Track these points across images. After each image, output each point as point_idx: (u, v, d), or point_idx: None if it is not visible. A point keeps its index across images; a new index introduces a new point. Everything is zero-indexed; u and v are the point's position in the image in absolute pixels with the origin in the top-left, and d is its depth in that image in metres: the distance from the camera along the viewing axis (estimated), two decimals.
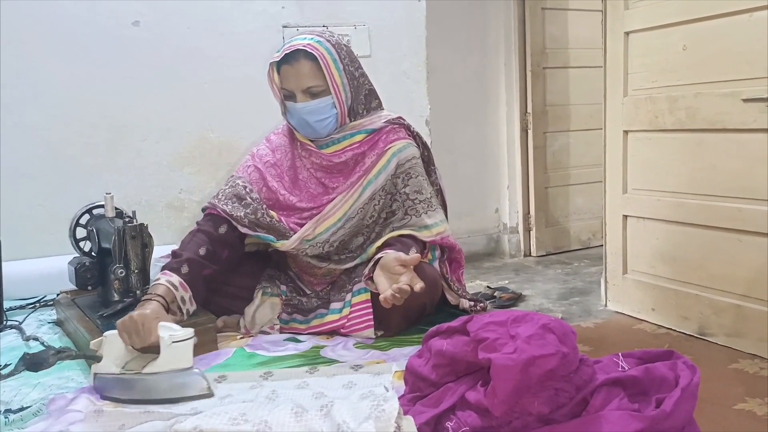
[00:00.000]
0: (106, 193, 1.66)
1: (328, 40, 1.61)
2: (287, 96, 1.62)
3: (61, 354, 1.26)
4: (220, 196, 1.67)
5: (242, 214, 1.62)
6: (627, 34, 2.21)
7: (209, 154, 2.35)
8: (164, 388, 1.24)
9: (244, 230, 1.62)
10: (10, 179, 2.12)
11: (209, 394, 1.25)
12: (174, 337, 1.27)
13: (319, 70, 1.58)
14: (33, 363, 1.23)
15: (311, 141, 1.65)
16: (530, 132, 3.30)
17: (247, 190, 1.65)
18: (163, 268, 1.51)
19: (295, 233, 1.62)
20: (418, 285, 1.36)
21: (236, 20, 2.34)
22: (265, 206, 1.64)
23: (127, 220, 1.55)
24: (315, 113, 1.60)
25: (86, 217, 1.77)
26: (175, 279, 1.47)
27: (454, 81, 3.21)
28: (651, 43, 2.13)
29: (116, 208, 1.65)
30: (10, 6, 2.08)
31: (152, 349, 1.30)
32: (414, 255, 1.43)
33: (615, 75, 2.27)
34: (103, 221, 1.65)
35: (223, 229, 1.62)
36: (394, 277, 1.39)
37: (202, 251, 1.55)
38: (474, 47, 3.28)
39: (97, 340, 1.33)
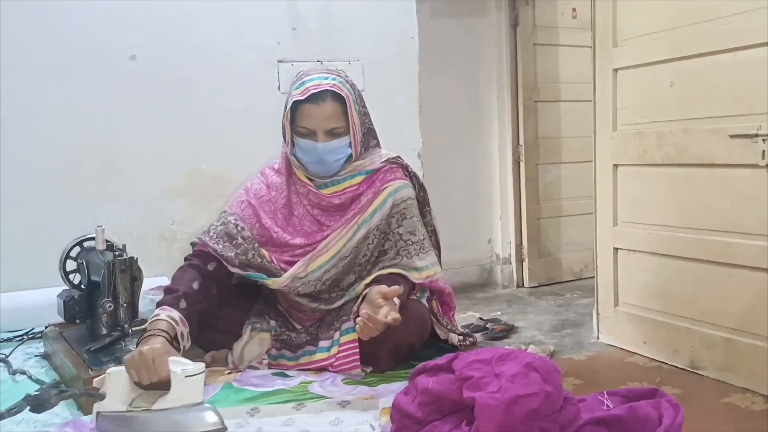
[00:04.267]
0: (97, 226, 1.66)
1: (346, 81, 1.64)
2: (303, 134, 1.61)
3: (63, 394, 1.24)
4: (211, 233, 1.66)
5: (233, 254, 1.61)
6: (616, 70, 2.25)
7: (202, 185, 2.36)
8: (177, 423, 1.22)
9: (234, 270, 1.62)
10: (1, 209, 2.12)
11: (223, 429, 1.23)
12: (186, 372, 1.25)
13: (343, 111, 1.60)
14: (37, 404, 1.21)
15: (310, 180, 1.66)
16: (522, 164, 3.33)
17: (239, 228, 1.64)
18: (160, 303, 1.49)
19: (286, 272, 1.62)
20: (392, 317, 1.36)
21: (232, 54, 2.38)
22: (256, 245, 1.63)
23: (117, 253, 1.54)
24: (334, 153, 1.61)
25: (77, 249, 1.77)
26: (176, 314, 1.45)
27: (448, 114, 3.26)
28: (639, 80, 2.17)
29: (107, 241, 1.65)
30: (7, 36, 2.11)
31: (157, 386, 1.28)
32: (394, 287, 1.44)
33: (604, 110, 2.30)
34: (93, 254, 1.65)
35: (212, 266, 1.61)
36: (375, 310, 1.40)
37: (195, 285, 1.54)
38: (467, 81, 3.33)
39: (100, 377, 1.30)
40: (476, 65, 3.34)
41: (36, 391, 1.22)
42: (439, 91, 3.16)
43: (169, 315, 1.44)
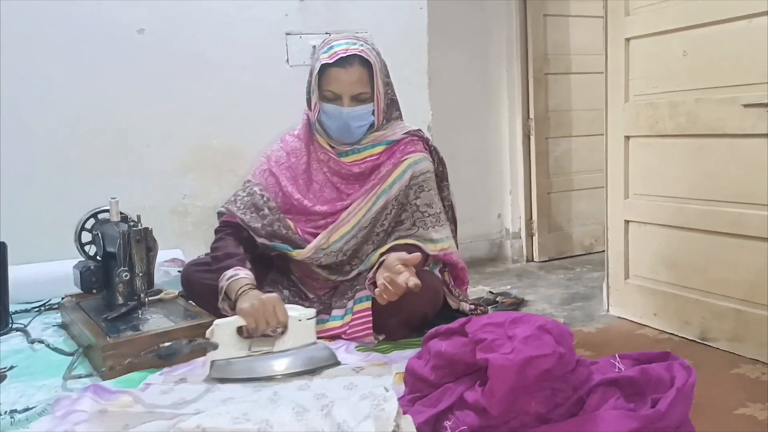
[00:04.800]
0: (111, 198, 1.68)
1: (373, 48, 1.64)
2: (329, 98, 1.62)
3: (192, 343, 1.33)
4: (238, 204, 1.67)
5: (259, 225, 1.63)
6: (628, 40, 2.22)
7: (212, 159, 2.37)
8: (300, 361, 1.35)
9: (261, 240, 1.65)
10: (16, 183, 2.14)
11: (338, 362, 1.39)
12: (304, 315, 1.40)
13: (370, 77, 1.60)
14: (168, 354, 1.30)
15: (332, 147, 1.67)
16: (532, 137, 3.31)
17: (264, 199, 1.66)
18: (227, 266, 1.52)
19: (309, 243, 1.63)
20: (412, 281, 1.37)
21: (239, 27, 2.37)
22: (281, 216, 1.65)
23: (131, 224, 1.56)
24: (358, 119, 1.62)
25: (91, 221, 1.79)
26: (250, 274, 1.51)
27: (457, 86, 3.23)
28: (651, 49, 2.15)
29: (121, 213, 1.67)
30: (16, 11, 2.11)
31: (260, 335, 1.39)
32: (415, 254, 1.45)
33: (616, 81, 2.28)
34: (108, 225, 1.67)
35: (245, 233, 1.65)
36: (395, 275, 1.41)
37: (241, 250, 1.60)
38: (476, 53, 3.30)
39: (210, 329, 1.38)
40: (486, 37, 3.30)
41: (166, 343, 1.32)
42: (448, 64, 3.13)
43: (247, 274, 1.51)
